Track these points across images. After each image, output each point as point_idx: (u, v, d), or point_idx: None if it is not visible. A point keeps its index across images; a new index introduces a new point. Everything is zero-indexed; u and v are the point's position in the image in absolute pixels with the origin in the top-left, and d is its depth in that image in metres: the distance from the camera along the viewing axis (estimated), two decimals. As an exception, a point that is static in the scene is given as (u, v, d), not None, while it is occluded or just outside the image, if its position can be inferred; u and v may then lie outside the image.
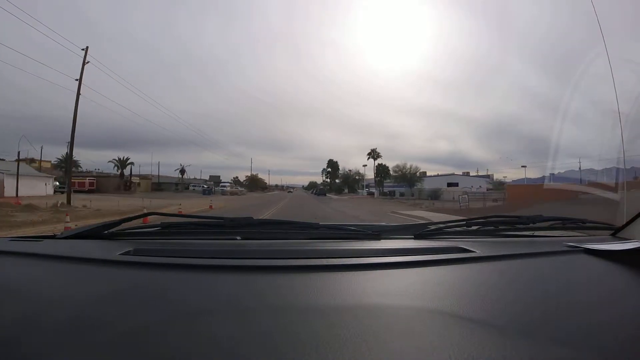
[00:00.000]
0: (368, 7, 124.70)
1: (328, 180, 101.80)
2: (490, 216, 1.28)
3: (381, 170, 64.68)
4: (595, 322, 0.58)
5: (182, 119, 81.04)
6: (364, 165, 68.41)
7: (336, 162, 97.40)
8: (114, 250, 0.87)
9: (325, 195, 60.50)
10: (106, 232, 1.07)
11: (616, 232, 1.15)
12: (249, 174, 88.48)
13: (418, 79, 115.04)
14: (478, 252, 0.91)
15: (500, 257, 0.91)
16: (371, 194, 61.29)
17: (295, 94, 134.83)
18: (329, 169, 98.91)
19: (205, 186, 57.55)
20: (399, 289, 0.68)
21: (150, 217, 1.16)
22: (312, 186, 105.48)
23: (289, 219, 1.23)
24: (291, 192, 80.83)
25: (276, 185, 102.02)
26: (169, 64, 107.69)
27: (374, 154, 67.58)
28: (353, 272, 0.77)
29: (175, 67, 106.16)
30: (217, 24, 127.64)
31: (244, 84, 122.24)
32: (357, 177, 74.75)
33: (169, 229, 1.13)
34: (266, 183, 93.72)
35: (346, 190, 74.05)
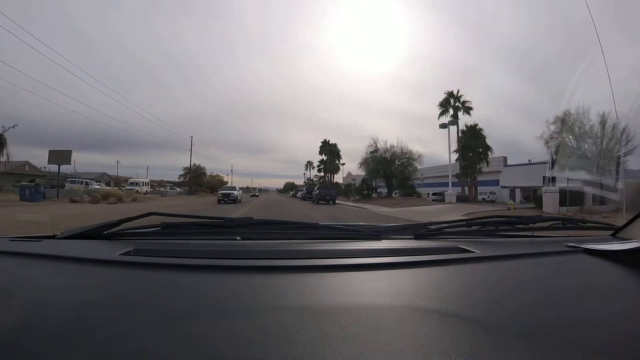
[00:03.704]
0: (345, 10, 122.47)
1: (312, 179, 65.88)
2: (491, 216, 1.28)
3: (472, 142, 28.85)
4: (595, 322, 0.58)
5: (155, 120, 65.00)
6: (446, 125, 28.62)
7: (335, 144, 60.26)
8: (114, 250, 0.87)
9: (332, 201, 27.74)
10: (106, 232, 1.07)
11: (616, 232, 1.14)
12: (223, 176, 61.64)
13: (394, 82, 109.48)
14: (478, 252, 0.91)
15: (500, 257, 0.91)
16: (465, 198, 25.61)
17: (271, 96, 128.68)
18: (324, 157, 61.62)
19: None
20: (398, 289, 0.68)
21: (150, 217, 1.15)
22: (289, 187, 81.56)
23: (289, 219, 1.23)
24: (233, 195, 25.71)
25: (247, 188, 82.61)
26: (143, 63, 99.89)
27: (455, 103, 29.66)
28: (353, 273, 0.77)
29: (149, 66, 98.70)
30: (178, 19, 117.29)
31: (220, 85, 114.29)
32: (404, 160, 34.94)
33: (169, 229, 1.13)
34: (226, 183, 65.25)
35: (377, 192, 37.54)
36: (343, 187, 48.57)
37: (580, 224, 1.27)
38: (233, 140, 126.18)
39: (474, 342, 0.48)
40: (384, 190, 36.75)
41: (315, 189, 32.62)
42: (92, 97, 61.62)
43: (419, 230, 1.17)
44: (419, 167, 34.84)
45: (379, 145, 35.47)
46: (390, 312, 0.57)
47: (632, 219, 1.07)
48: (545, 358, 0.47)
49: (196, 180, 48.98)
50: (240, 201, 25.31)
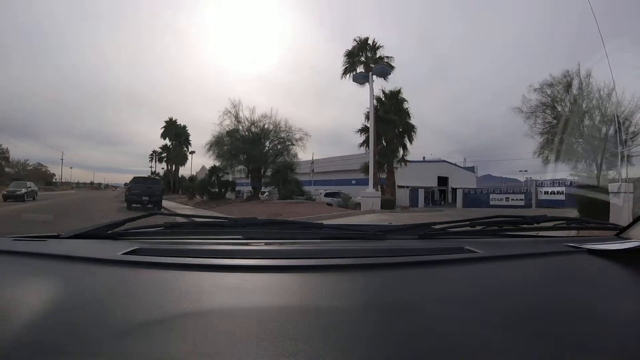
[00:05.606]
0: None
1: (159, 172, 48.62)
2: (495, 216, 1.28)
3: (393, 117, 19.12)
4: (597, 322, 0.58)
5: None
6: (365, 77, 16.76)
7: (184, 127, 44.42)
8: (117, 249, 0.87)
9: (155, 206, 15.67)
10: (110, 231, 1.08)
11: (621, 232, 1.14)
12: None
13: (266, 83, 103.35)
14: (481, 252, 0.91)
15: (504, 257, 0.92)
16: (391, 203, 15.45)
17: (128, 85, 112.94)
18: (169, 143, 45.09)
19: None
20: (402, 289, 0.69)
21: (154, 217, 1.18)
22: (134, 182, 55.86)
23: (292, 219, 1.24)
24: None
25: (91, 183, 74.78)
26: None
27: (370, 55, 18.93)
28: (357, 272, 0.77)
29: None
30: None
31: (67, 67, 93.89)
32: (276, 141, 20.72)
33: (172, 229, 1.14)
34: (53, 175, 55.70)
35: (235, 190, 23.83)
36: (187, 181, 33.26)
37: (585, 224, 1.28)
38: (82, 130, 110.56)
39: (477, 342, 0.49)
40: (246, 189, 23.72)
41: (129, 182, 18.77)
42: None
43: (423, 230, 1.18)
44: (301, 156, 22.31)
45: (241, 115, 20.64)
46: (395, 312, 0.57)
47: (637, 219, 1.06)
48: (550, 358, 0.47)
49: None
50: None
